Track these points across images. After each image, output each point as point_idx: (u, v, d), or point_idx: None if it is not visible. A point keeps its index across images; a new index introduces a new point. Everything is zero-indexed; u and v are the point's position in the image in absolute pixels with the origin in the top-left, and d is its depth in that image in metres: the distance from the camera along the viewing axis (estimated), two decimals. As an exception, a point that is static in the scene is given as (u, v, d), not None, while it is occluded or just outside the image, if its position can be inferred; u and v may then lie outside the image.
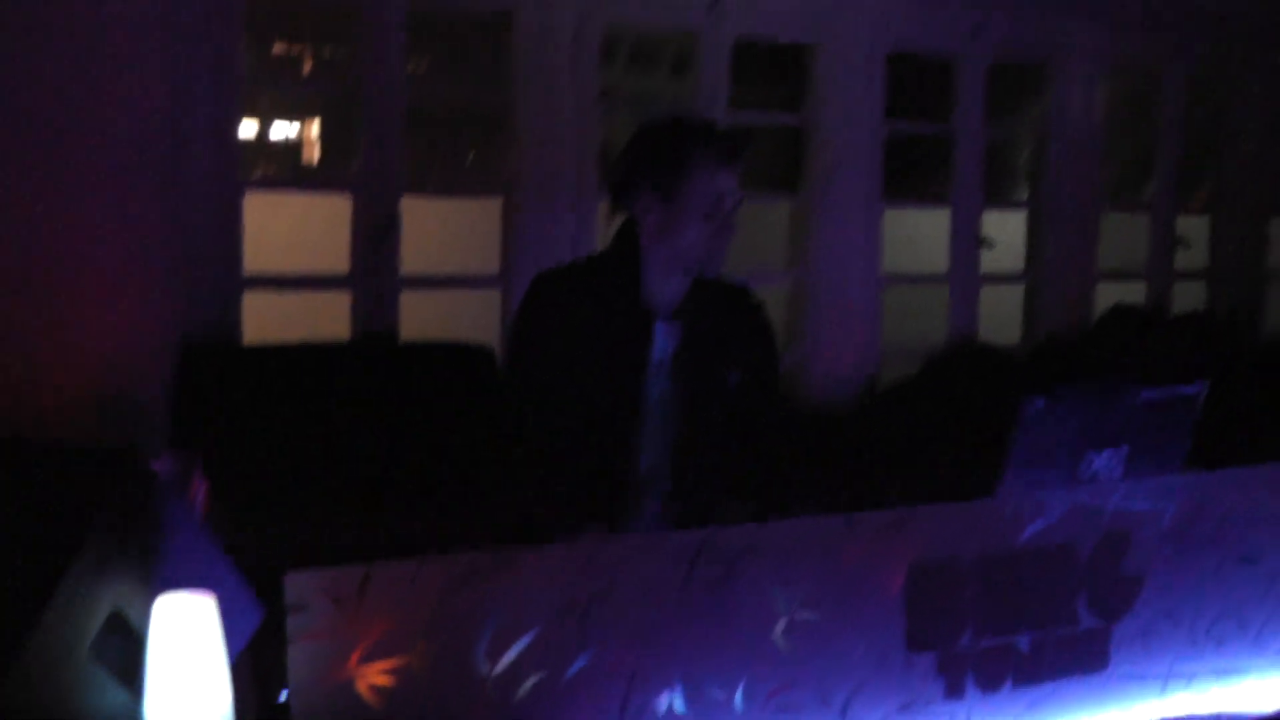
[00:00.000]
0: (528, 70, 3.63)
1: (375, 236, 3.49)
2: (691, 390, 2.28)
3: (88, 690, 1.32)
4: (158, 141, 2.98)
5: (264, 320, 3.54)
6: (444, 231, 3.97)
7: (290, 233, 4.48)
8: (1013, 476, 1.91)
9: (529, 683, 1.52)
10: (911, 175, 5.15)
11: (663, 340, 2.27)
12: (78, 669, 1.31)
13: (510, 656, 1.51)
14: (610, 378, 2.21)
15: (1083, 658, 1.89)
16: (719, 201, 2.19)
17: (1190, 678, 1.98)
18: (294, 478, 2.97)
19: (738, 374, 2.33)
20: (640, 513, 2.28)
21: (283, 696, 1.44)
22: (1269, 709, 2.01)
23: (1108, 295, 4.68)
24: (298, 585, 1.40)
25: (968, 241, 4.39)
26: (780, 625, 1.67)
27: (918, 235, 5.04)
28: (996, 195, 4.90)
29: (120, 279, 2.94)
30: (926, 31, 4.26)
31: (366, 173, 3.51)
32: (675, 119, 2.30)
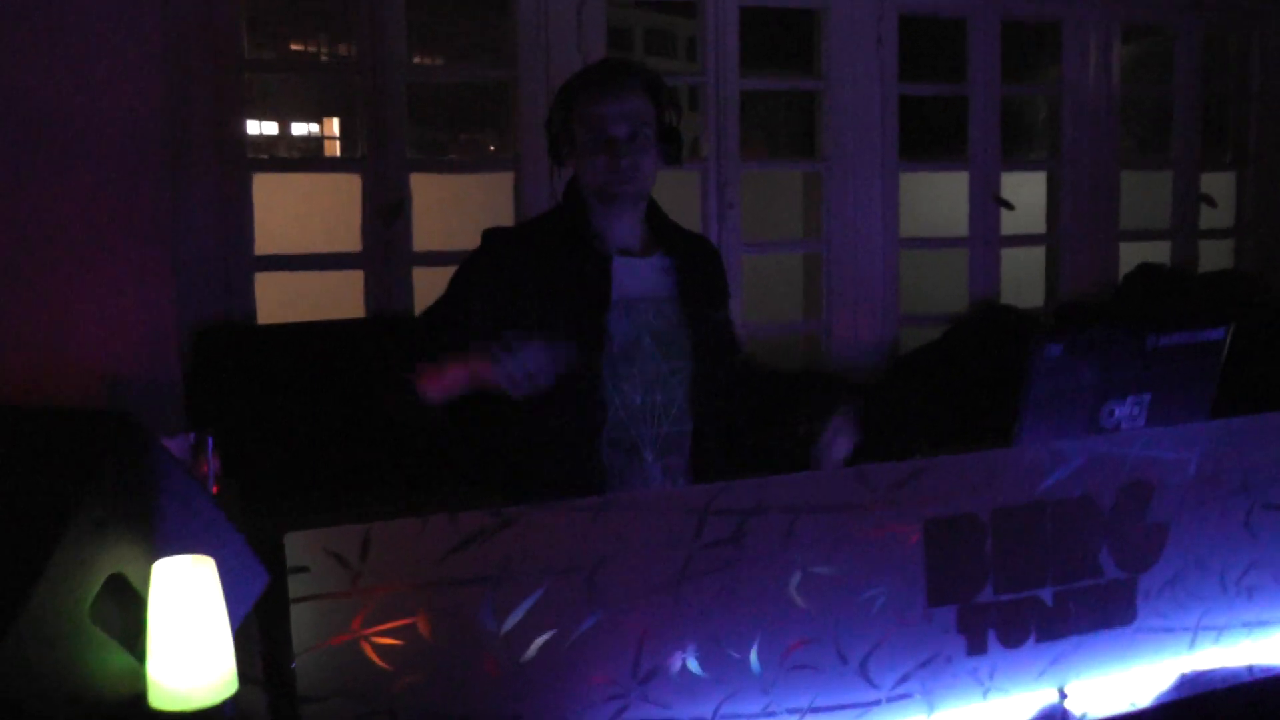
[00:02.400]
0: (531, 47, 3.60)
1: (386, 214, 3.48)
2: (696, 325, 2.32)
3: (88, 653, 1.31)
4: (162, 127, 2.97)
5: (279, 301, 3.53)
6: (457, 208, 3.95)
7: (303, 214, 4.47)
8: (1031, 426, 1.87)
9: (537, 642, 1.50)
10: (930, 138, 5.09)
11: (625, 278, 2.29)
12: (77, 632, 1.30)
13: (517, 616, 1.49)
14: (570, 317, 2.23)
15: (1108, 610, 1.85)
16: (604, 127, 2.23)
17: (1220, 630, 1.94)
18: (309, 455, 2.96)
19: (721, 313, 2.42)
20: (636, 453, 2.27)
21: (295, 664, 1.43)
22: (1302, 660, 1.97)
23: (1132, 255, 4.61)
24: (298, 545, 1.38)
25: (986, 203, 4.33)
26: (795, 580, 1.64)
27: (937, 198, 4.99)
28: (1016, 156, 4.82)
29: (131, 264, 2.93)
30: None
31: (374, 151, 3.50)
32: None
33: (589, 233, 2.30)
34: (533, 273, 2.25)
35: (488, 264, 2.29)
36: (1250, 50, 4.90)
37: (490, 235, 2.35)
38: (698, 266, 2.40)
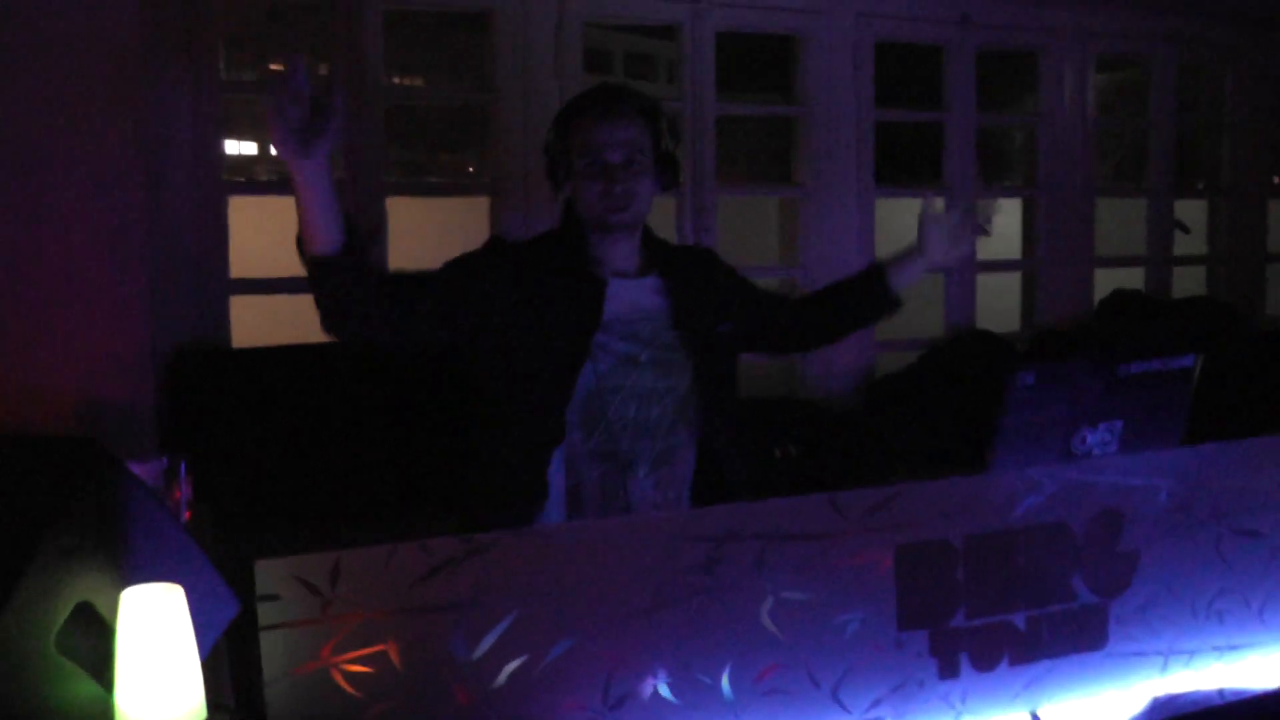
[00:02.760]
0: (509, 69, 3.61)
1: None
2: (692, 342, 2.34)
3: (55, 683, 1.29)
4: (139, 150, 2.96)
5: (256, 324, 3.52)
6: (433, 231, 3.95)
7: (281, 235, 4.45)
8: (1004, 453, 1.88)
9: (508, 669, 1.49)
10: (905, 164, 5.12)
11: (620, 300, 2.30)
12: (44, 661, 1.28)
13: (488, 642, 1.48)
14: (561, 335, 2.24)
15: (1080, 635, 1.85)
16: (599, 154, 2.24)
17: (1191, 654, 1.95)
18: (283, 480, 2.94)
19: (728, 324, 2.43)
20: (630, 469, 2.28)
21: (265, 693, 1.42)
22: (1272, 685, 1.98)
23: (1107, 282, 4.64)
24: (268, 573, 1.38)
25: (963, 229, 4.35)
26: (767, 606, 1.64)
27: (913, 224, 5.00)
28: (992, 183, 4.85)
29: (106, 286, 2.91)
30: (914, 19, 4.23)
31: (351, 174, 3.49)
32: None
33: (585, 256, 2.32)
34: (528, 290, 2.26)
35: (484, 264, 2.30)
36: (1224, 81, 4.96)
37: (496, 241, 2.39)
38: (692, 281, 2.41)
